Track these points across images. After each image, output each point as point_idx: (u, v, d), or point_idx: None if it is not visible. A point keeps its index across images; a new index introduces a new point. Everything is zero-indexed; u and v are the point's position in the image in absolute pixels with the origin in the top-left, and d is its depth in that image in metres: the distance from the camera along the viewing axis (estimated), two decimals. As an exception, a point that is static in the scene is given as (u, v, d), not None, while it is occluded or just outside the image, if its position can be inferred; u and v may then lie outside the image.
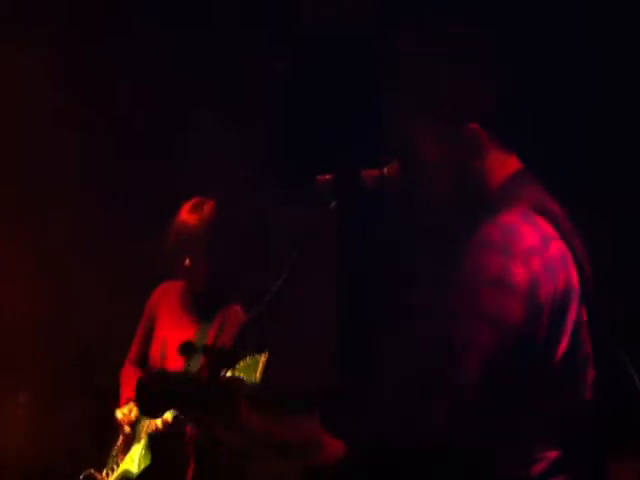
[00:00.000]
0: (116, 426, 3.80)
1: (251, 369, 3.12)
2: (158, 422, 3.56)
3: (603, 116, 3.72)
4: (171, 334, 3.79)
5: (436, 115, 2.06)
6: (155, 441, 3.60)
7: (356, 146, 2.36)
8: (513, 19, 3.78)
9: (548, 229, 1.99)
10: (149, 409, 2.02)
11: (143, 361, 3.89)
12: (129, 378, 3.85)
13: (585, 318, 2.00)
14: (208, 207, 3.79)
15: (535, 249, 1.93)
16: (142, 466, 3.60)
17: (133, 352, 3.97)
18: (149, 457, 3.59)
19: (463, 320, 1.89)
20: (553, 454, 1.94)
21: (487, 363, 1.86)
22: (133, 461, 3.65)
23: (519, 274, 1.89)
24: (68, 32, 4.66)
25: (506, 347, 1.87)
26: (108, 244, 4.65)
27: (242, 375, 3.14)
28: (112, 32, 4.67)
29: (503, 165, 2.10)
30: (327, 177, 2.23)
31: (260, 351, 3.13)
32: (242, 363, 3.15)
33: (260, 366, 3.11)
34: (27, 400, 4.78)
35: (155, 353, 3.82)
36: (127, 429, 3.72)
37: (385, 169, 2.17)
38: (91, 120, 4.69)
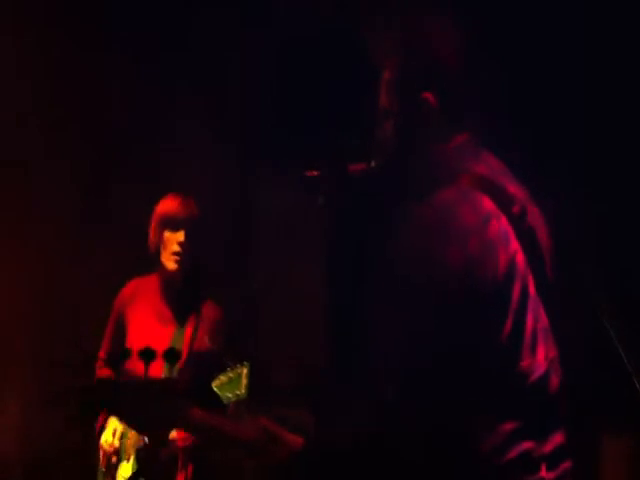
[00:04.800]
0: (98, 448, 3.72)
1: (235, 383, 3.06)
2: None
3: (603, 116, 3.71)
4: (148, 334, 3.72)
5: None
6: (143, 455, 3.53)
7: (344, 140, 2.34)
8: (513, 19, 3.78)
9: (488, 206, 1.94)
10: (90, 414, 2.07)
11: (116, 359, 3.79)
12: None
13: (532, 292, 1.96)
14: (190, 201, 3.83)
15: (472, 230, 1.89)
16: None
17: (104, 351, 3.91)
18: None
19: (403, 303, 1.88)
20: (509, 426, 1.90)
21: (422, 348, 1.85)
22: None
23: (454, 257, 1.85)
24: (66, 32, 4.67)
25: (444, 330, 1.85)
26: (105, 243, 4.63)
27: (227, 392, 3.10)
28: (108, 32, 4.67)
29: (449, 135, 2.07)
30: (315, 172, 2.22)
31: (241, 363, 3.07)
32: (224, 378, 3.09)
33: (244, 379, 3.04)
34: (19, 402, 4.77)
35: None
36: (114, 459, 3.65)
37: (372, 162, 2.16)
38: (86, 118, 4.69)
